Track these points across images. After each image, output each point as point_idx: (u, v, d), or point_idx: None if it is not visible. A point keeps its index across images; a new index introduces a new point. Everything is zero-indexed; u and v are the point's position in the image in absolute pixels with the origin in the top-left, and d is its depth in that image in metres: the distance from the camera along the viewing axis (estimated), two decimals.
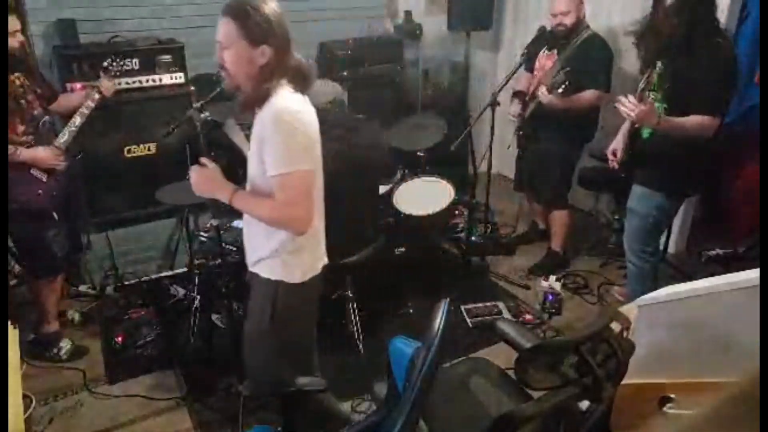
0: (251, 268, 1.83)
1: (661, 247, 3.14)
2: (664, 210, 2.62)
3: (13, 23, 2.38)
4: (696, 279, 1.71)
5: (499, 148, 3.32)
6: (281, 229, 1.67)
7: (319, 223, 1.82)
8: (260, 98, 1.61)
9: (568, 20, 3.01)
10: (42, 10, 2.98)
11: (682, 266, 3.42)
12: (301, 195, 1.60)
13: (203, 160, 1.73)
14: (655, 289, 2.12)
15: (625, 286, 3.13)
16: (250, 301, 1.86)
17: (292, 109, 1.60)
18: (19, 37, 2.40)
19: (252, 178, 1.71)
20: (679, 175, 2.52)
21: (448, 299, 1.38)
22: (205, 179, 1.70)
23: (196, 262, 3.06)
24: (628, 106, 2.29)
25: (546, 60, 3.21)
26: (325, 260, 1.89)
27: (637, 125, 2.49)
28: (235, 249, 2.84)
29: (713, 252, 3.61)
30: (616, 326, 1.56)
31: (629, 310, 1.84)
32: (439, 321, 1.33)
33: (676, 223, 3.46)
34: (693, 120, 2.32)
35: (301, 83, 1.68)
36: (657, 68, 2.36)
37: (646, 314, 1.81)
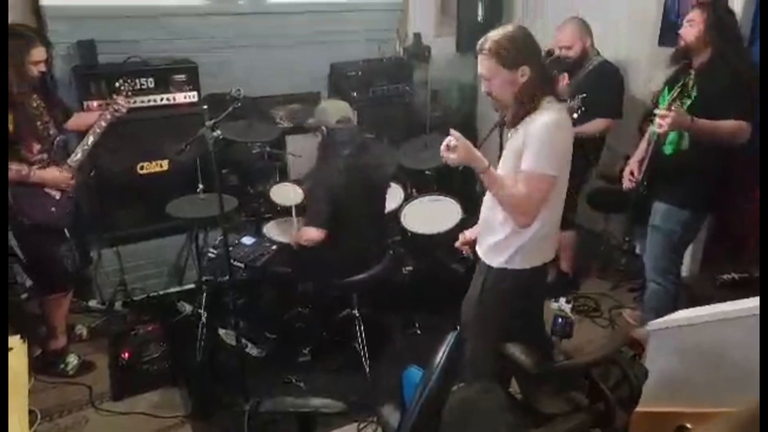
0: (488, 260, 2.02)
1: None
2: (689, 226, 2.60)
3: (41, 53, 2.40)
4: (710, 304, 1.69)
5: None
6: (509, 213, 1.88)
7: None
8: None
9: (572, 53, 3.05)
10: (63, 31, 3.04)
11: (695, 290, 3.37)
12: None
13: (454, 132, 1.83)
14: (673, 312, 2.08)
15: (639, 305, 3.09)
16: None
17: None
18: (42, 67, 2.44)
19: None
20: (704, 190, 2.51)
21: (457, 331, 1.37)
22: (464, 147, 1.81)
23: (204, 278, 3.07)
24: (660, 116, 2.31)
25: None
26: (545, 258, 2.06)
27: (661, 137, 2.49)
28: (243, 266, 2.85)
29: (728, 276, 3.54)
30: (628, 351, 1.54)
31: (642, 334, 1.81)
32: (441, 355, 1.31)
33: (690, 244, 3.42)
34: (729, 124, 2.31)
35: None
36: (690, 77, 2.39)
37: (658, 339, 1.78)
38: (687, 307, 1.91)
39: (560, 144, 1.82)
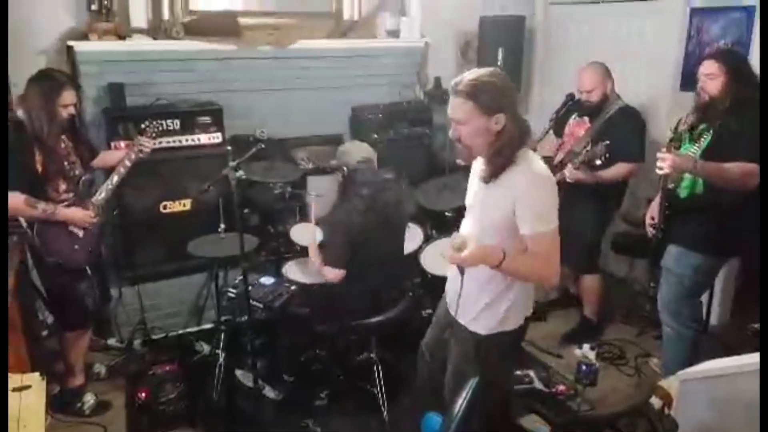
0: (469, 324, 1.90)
1: (704, 318, 3.01)
2: (702, 271, 2.55)
3: (72, 97, 2.50)
4: (741, 354, 1.62)
5: None
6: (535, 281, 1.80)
7: None
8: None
9: (594, 97, 3.07)
10: (93, 75, 3.18)
11: (726, 339, 3.25)
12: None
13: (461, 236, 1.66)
14: (694, 359, 2.01)
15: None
16: None
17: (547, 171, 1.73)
18: (72, 110, 2.53)
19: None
20: (717, 234, 2.46)
21: (477, 378, 1.33)
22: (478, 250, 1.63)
23: (223, 318, 3.06)
24: (660, 159, 2.33)
25: (576, 127, 3.22)
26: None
27: (672, 185, 2.50)
28: (262, 306, 2.85)
29: (759, 325, 3.42)
30: (656, 402, 1.47)
31: (670, 384, 1.74)
32: (461, 401, 1.28)
33: (718, 292, 3.32)
34: (738, 167, 2.28)
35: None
36: (685, 118, 2.44)
37: (687, 390, 1.70)
38: (715, 356, 1.84)
39: (552, 194, 1.70)
